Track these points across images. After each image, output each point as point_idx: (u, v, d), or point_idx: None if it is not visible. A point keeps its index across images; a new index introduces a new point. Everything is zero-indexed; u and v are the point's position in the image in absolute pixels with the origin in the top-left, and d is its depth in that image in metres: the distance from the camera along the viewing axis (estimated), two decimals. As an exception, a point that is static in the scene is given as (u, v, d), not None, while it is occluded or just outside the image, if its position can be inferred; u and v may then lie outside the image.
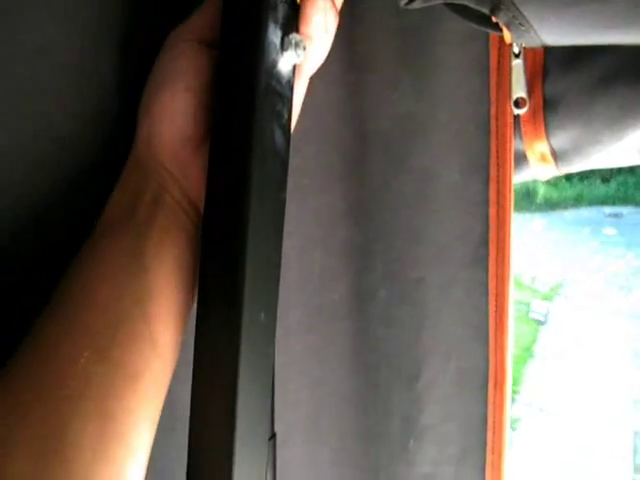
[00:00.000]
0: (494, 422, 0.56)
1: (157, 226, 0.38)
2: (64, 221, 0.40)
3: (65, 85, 0.39)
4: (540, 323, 4.70)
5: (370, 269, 0.57)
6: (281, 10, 0.39)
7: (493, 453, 0.58)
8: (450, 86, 0.54)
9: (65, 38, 0.38)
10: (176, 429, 0.45)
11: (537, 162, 0.54)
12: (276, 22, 0.38)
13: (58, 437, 0.32)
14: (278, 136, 0.39)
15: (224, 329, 0.37)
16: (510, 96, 0.51)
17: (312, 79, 0.44)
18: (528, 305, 4.72)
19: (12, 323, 0.37)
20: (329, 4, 0.41)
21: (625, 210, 6.01)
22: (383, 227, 0.57)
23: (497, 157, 0.52)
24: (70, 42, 0.38)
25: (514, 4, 0.43)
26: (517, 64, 0.50)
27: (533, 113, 0.51)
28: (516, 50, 0.50)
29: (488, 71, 0.52)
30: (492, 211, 0.53)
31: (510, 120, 0.51)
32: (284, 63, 0.39)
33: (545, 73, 0.51)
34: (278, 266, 0.40)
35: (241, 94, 0.38)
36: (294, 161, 0.41)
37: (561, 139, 0.52)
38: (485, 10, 0.45)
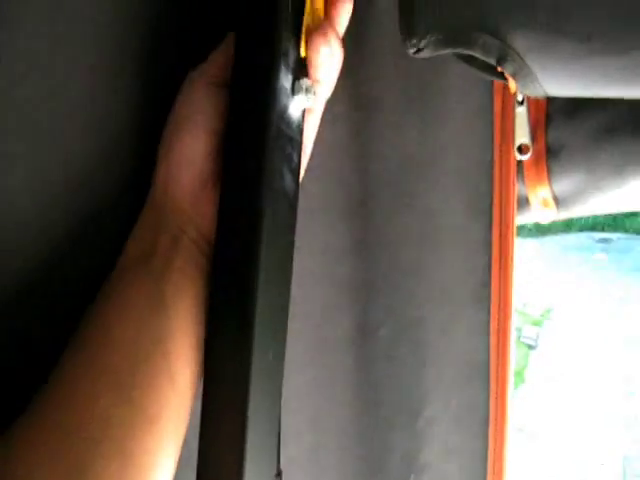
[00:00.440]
0: (494, 459, 0.56)
1: (175, 267, 0.39)
2: (84, 257, 0.40)
3: (83, 121, 0.39)
4: (531, 347, 4.70)
5: (372, 306, 0.58)
6: (292, 55, 0.40)
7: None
8: (455, 130, 0.55)
9: (81, 75, 0.38)
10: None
11: (539, 206, 0.55)
12: (287, 67, 0.39)
13: (81, 478, 0.32)
14: (288, 179, 0.40)
15: (233, 369, 0.37)
16: (514, 142, 0.52)
17: (317, 117, 0.45)
18: (520, 330, 4.73)
19: (35, 354, 0.37)
20: (335, 44, 0.41)
21: (615, 236, 6.06)
22: (386, 265, 0.57)
23: (500, 201, 0.53)
24: (86, 79, 0.39)
25: (520, 56, 0.45)
26: (521, 111, 0.52)
27: (536, 159, 0.52)
28: (520, 98, 0.52)
29: (492, 117, 0.53)
30: (495, 253, 0.54)
31: (513, 165, 0.52)
32: (295, 107, 0.40)
33: (548, 121, 0.52)
34: (286, 307, 0.41)
35: (253, 138, 0.38)
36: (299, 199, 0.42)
37: (563, 185, 0.53)
38: (492, 61, 0.46)
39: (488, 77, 0.51)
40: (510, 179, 0.52)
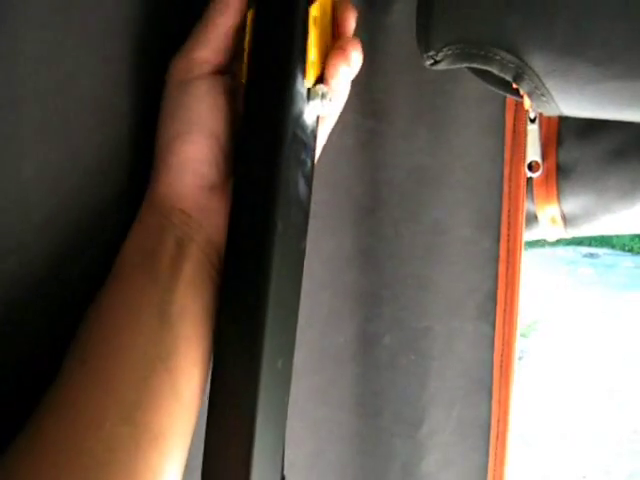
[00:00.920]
0: (494, 473, 0.57)
1: (183, 277, 0.37)
2: (92, 252, 0.39)
3: (86, 116, 0.38)
4: (518, 359, 4.71)
5: (377, 315, 0.58)
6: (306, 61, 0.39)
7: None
8: (465, 143, 0.56)
9: (85, 72, 0.38)
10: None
11: (547, 223, 0.56)
12: (303, 72, 0.39)
13: None
14: (301, 185, 0.40)
15: (242, 377, 0.37)
16: (524, 158, 0.53)
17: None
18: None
19: (34, 357, 0.37)
20: (355, 55, 0.41)
21: (601, 251, 6.11)
22: (392, 275, 0.58)
23: (509, 217, 0.53)
24: (90, 75, 0.38)
25: (537, 76, 0.45)
26: (532, 129, 0.52)
27: (546, 178, 0.53)
28: (532, 115, 0.52)
29: (503, 132, 0.54)
30: (502, 268, 0.55)
31: (523, 182, 0.53)
32: (309, 113, 0.40)
33: (559, 140, 0.53)
34: (296, 314, 0.40)
35: (268, 142, 0.38)
36: None
37: (572, 205, 0.53)
38: (508, 77, 0.46)
39: (502, 93, 0.51)
40: (519, 195, 0.53)
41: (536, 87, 0.46)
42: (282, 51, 0.39)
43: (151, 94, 0.40)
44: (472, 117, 0.55)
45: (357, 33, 0.55)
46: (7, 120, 0.34)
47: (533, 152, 0.53)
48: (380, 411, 0.59)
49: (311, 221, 0.56)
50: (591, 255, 6.25)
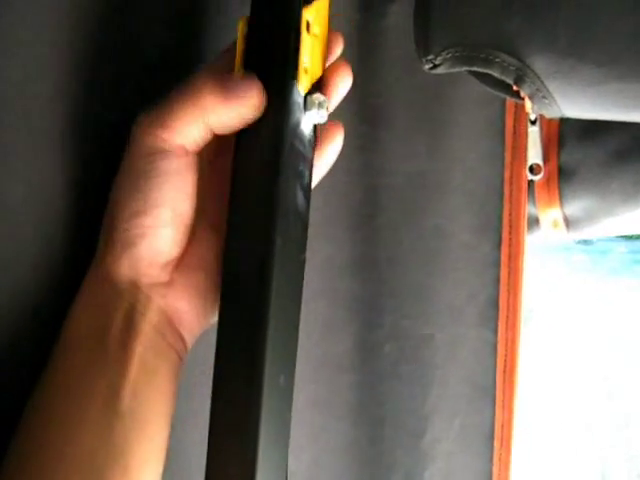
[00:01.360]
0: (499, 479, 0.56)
1: (134, 359, 0.34)
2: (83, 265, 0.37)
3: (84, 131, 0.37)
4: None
5: (377, 324, 0.57)
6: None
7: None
8: (465, 147, 0.55)
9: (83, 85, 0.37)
10: None
11: (549, 227, 0.55)
12: (298, 80, 0.38)
13: None
14: (300, 197, 0.39)
15: (244, 394, 0.36)
16: (525, 161, 0.52)
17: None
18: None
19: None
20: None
21: (595, 237, 6.15)
22: (392, 282, 0.57)
23: (510, 220, 0.52)
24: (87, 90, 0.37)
25: (539, 78, 0.44)
26: (533, 131, 0.51)
27: (547, 180, 0.52)
28: (532, 117, 0.51)
29: (503, 134, 0.53)
30: (503, 273, 0.54)
31: (524, 185, 0.52)
32: (306, 123, 0.39)
33: (561, 142, 0.52)
34: (297, 328, 0.40)
35: (266, 154, 0.37)
36: None
37: (574, 208, 0.53)
38: (509, 80, 0.46)
39: (502, 95, 0.50)
40: (521, 198, 0.52)
41: (538, 89, 0.45)
42: (277, 59, 0.38)
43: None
44: (471, 120, 0.54)
45: (353, 36, 0.55)
46: None
47: (534, 154, 0.52)
48: (382, 420, 0.59)
49: (309, 227, 0.55)
50: (585, 242, 6.29)
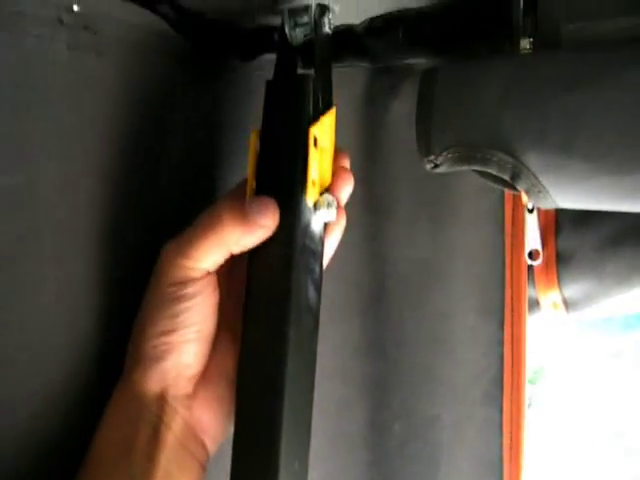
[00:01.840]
0: None
1: (159, 472, 0.35)
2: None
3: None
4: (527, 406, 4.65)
5: (386, 403, 0.58)
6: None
7: None
8: (466, 234, 0.57)
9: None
10: None
11: (549, 308, 0.57)
12: (306, 190, 0.39)
13: None
14: (311, 292, 0.41)
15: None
16: (524, 247, 0.54)
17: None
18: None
19: None
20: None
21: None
22: (399, 364, 0.58)
23: (512, 303, 0.54)
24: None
25: (533, 174, 0.47)
26: (531, 218, 0.54)
27: (546, 265, 0.54)
28: (530, 206, 0.54)
29: (503, 221, 0.55)
30: (507, 353, 0.55)
31: (524, 269, 0.54)
32: (316, 222, 0.40)
33: (558, 228, 0.54)
34: (310, 415, 0.40)
35: (278, 255, 0.39)
36: None
37: (573, 290, 0.55)
38: (506, 177, 0.48)
39: (500, 187, 0.53)
40: (521, 282, 0.54)
41: (533, 184, 0.47)
42: (287, 176, 0.39)
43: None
44: (472, 208, 0.57)
45: (358, 129, 0.57)
46: None
47: (533, 240, 0.54)
48: (392, 498, 0.59)
49: (321, 311, 0.57)
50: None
